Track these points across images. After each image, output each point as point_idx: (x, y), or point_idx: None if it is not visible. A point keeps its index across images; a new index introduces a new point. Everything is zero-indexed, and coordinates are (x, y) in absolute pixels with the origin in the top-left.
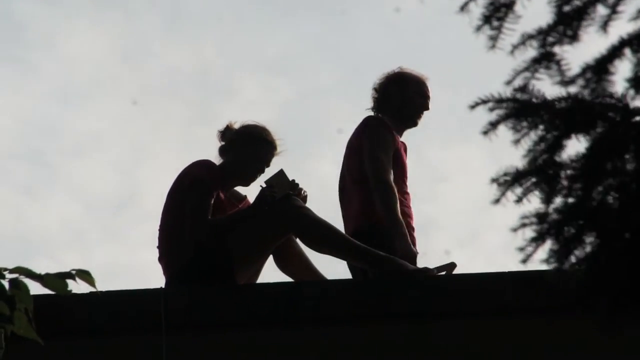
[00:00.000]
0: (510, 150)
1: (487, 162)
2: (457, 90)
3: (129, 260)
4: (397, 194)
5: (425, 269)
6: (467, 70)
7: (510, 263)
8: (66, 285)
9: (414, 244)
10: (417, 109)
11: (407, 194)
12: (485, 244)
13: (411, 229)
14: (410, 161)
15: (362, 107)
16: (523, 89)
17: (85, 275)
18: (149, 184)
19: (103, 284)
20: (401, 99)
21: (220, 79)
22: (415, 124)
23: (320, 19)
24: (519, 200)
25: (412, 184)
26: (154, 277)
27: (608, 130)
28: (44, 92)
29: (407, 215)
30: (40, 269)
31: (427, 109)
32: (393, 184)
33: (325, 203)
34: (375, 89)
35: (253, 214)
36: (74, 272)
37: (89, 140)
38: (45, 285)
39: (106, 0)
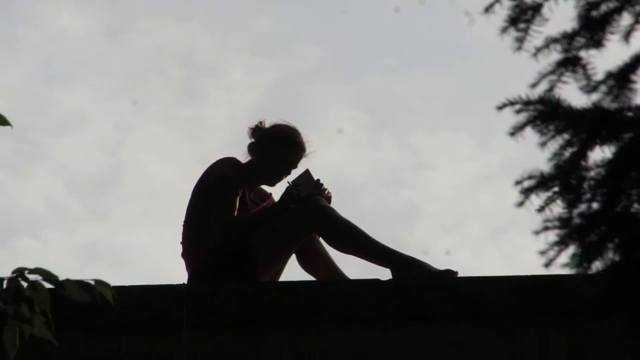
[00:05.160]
0: (499, 138)
1: (474, 149)
2: (444, 76)
3: (111, 240)
4: None
5: (450, 271)
6: (454, 56)
7: (494, 254)
8: (86, 295)
9: None
10: None
11: None
12: (470, 233)
13: None
14: (394, 147)
15: (347, 90)
16: (549, 92)
17: (103, 287)
18: (133, 163)
19: (87, 265)
20: None
21: (205, 58)
22: None
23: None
24: (541, 209)
25: (396, 169)
26: (137, 259)
27: (634, 139)
28: (28, 67)
29: None
30: (24, 248)
31: None
32: None
33: None
34: None
35: (278, 212)
36: (92, 282)
37: (73, 117)
38: (66, 292)
39: None
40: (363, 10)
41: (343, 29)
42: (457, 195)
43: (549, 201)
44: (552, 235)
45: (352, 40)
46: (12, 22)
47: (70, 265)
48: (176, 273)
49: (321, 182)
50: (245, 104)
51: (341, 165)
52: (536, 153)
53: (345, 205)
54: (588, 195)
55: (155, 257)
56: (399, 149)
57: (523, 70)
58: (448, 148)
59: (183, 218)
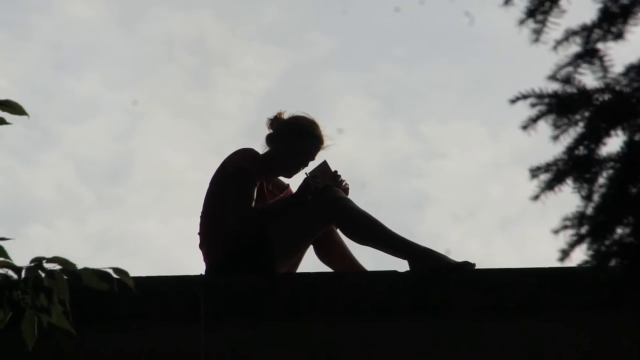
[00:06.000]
0: (510, 128)
1: (485, 138)
2: (455, 65)
3: (122, 228)
4: None
5: (467, 263)
6: (465, 44)
7: (504, 244)
8: (104, 284)
9: None
10: None
11: None
12: (481, 222)
13: None
14: (405, 136)
15: (357, 79)
16: (566, 81)
17: (122, 274)
18: (144, 151)
19: (98, 253)
20: None
21: (216, 47)
22: None
23: None
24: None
25: (407, 158)
26: (148, 247)
27: None
28: (39, 55)
29: None
30: (35, 236)
31: None
32: None
33: None
34: None
35: (296, 203)
36: (111, 270)
37: (84, 105)
38: (83, 281)
39: None
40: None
41: (353, 17)
42: (468, 184)
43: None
44: (570, 233)
45: (362, 29)
46: (24, 10)
47: (81, 254)
48: (187, 262)
49: (338, 173)
50: (256, 92)
51: (352, 154)
52: (548, 143)
53: (355, 193)
54: (603, 189)
55: (167, 246)
56: (410, 138)
57: (536, 59)
58: (459, 137)
59: (200, 209)
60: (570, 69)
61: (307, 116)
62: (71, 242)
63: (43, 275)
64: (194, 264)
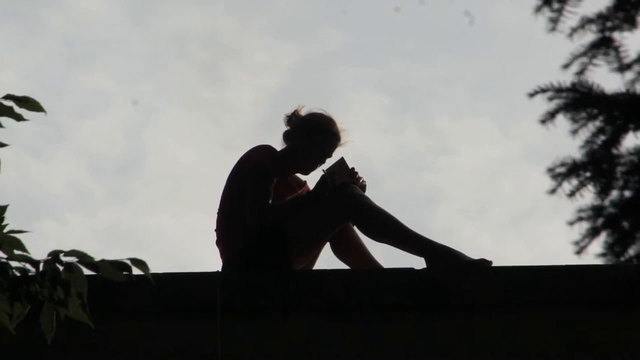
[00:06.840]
0: (521, 123)
1: (496, 134)
2: (466, 60)
3: (133, 223)
4: None
5: (484, 260)
6: (477, 40)
7: (516, 240)
8: (122, 275)
9: None
10: None
11: None
12: (493, 218)
13: None
14: (417, 131)
15: (369, 74)
16: (580, 75)
17: (140, 265)
18: (155, 146)
19: (108, 248)
20: None
21: (228, 41)
22: None
23: None
24: (572, 194)
25: (419, 153)
26: (158, 242)
27: None
28: (51, 49)
29: None
30: (45, 230)
31: None
32: None
33: None
34: None
35: (313, 200)
36: (129, 261)
37: (95, 100)
38: (101, 273)
39: None
40: None
41: (364, 12)
42: (479, 180)
43: (580, 186)
44: (585, 226)
45: (373, 24)
46: (36, 4)
47: (92, 248)
48: (198, 256)
49: (356, 170)
50: (268, 87)
51: (364, 150)
52: (558, 139)
53: (367, 188)
54: (620, 183)
55: (178, 241)
56: (421, 134)
57: (548, 55)
58: (470, 133)
59: (216, 205)
60: (585, 59)
61: (325, 113)
62: (82, 237)
63: (61, 268)
64: (205, 259)
